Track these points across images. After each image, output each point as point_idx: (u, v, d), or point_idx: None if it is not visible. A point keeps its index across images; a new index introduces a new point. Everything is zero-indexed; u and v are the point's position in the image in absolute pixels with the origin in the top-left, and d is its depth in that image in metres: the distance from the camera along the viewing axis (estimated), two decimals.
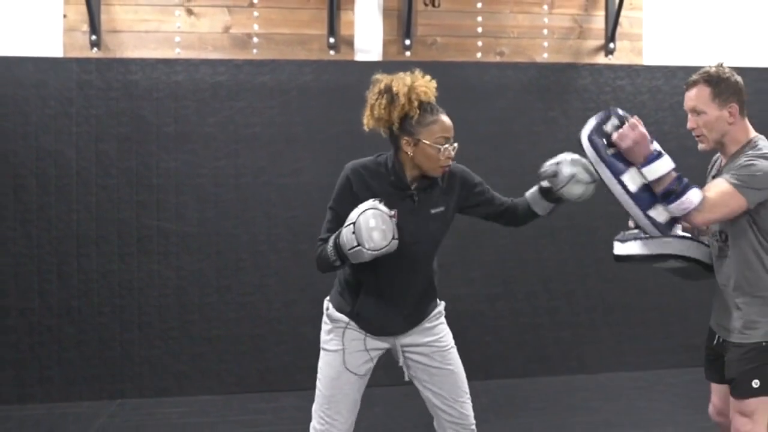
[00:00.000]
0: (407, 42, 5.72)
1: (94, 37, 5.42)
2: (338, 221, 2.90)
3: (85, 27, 5.44)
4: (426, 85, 2.89)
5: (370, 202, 2.83)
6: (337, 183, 3.00)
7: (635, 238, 3.05)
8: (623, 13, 5.87)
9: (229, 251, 5.60)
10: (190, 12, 5.58)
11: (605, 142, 2.99)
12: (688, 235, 3.09)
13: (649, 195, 2.95)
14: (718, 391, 3.25)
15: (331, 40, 5.65)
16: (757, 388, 2.98)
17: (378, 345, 3.13)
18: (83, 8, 5.30)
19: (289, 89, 5.64)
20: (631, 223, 3.13)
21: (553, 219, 5.54)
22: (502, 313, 5.86)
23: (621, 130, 2.97)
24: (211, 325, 5.59)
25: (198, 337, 5.57)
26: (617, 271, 5.81)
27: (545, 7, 5.97)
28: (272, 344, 5.64)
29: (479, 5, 5.86)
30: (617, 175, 2.96)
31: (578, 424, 4.91)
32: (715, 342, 3.14)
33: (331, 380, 3.07)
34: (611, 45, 5.99)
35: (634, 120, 2.97)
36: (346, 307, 3.08)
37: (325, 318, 3.14)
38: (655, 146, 2.93)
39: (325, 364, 3.09)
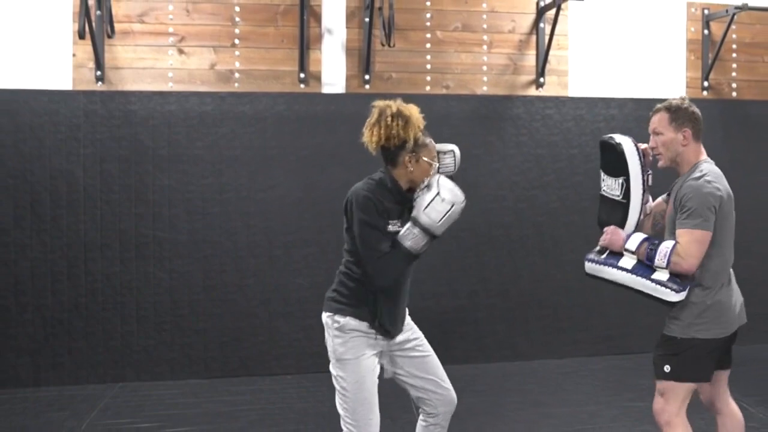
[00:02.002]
0: (367, 77, 5.97)
1: (98, 73, 5.63)
2: (384, 234, 3.02)
3: (91, 64, 5.65)
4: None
5: (436, 175, 3.07)
6: (363, 207, 3.03)
7: (610, 266, 3.23)
8: (551, 52, 6.17)
9: (214, 256, 5.81)
10: (181, 51, 5.80)
11: (598, 250, 3.33)
12: (662, 278, 3.14)
13: (644, 266, 3.18)
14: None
15: (302, 75, 5.89)
16: (668, 372, 3.22)
17: (380, 348, 3.20)
18: (89, 48, 5.53)
19: (265, 117, 5.86)
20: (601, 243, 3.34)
21: (491, 229, 6.10)
22: (446, 308, 6.04)
23: (603, 237, 3.31)
24: (199, 319, 5.79)
25: (187, 329, 5.78)
26: (546, 273, 6.22)
27: (484, 47, 6.21)
28: (250, 335, 5.86)
29: (428, 46, 6.12)
30: (615, 265, 3.24)
31: (513, 404, 5.18)
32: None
33: (359, 385, 3.09)
34: (541, 79, 6.26)
35: (606, 229, 3.31)
36: (367, 317, 3.10)
37: (336, 333, 3.12)
38: (629, 235, 3.23)
39: (348, 373, 3.09)
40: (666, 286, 3.10)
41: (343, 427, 3.14)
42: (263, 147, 5.89)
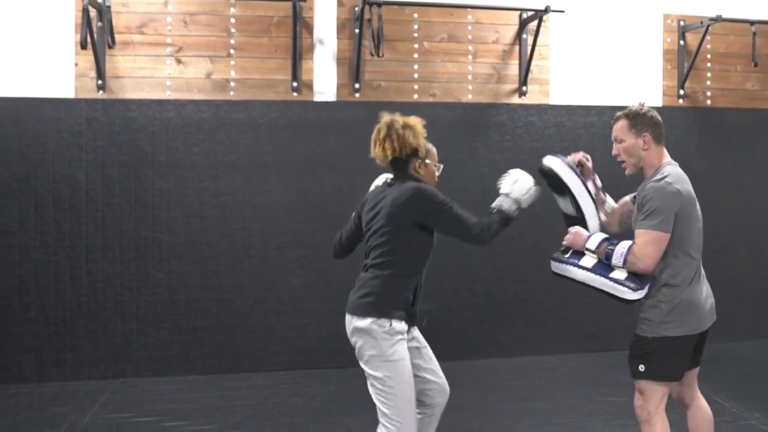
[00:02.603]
0: (357, 86, 6.06)
1: (100, 82, 5.72)
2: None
3: (93, 73, 5.73)
4: None
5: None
6: (436, 195, 3.16)
7: (572, 265, 3.29)
8: (534, 62, 6.26)
9: (211, 257, 5.87)
10: (178, 61, 5.89)
11: (562, 250, 3.38)
12: (620, 277, 3.19)
13: (604, 264, 3.22)
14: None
15: (294, 84, 5.97)
16: (643, 371, 3.23)
17: (409, 346, 3.28)
18: (91, 58, 5.63)
19: (260, 124, 5.93)
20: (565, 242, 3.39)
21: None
22: (434, 308, 5.92)
23: (566, 237, 3.36)
24: (196, 318, 5.85)
25: (185, 327, 5.84)
26: (528, 274, 6.23)
27: (470, 57, 6.30)
28: (245, 333, 5.94)
29: (415, 56, 6.21)
30: (577, 263, 3.28)
31: (497, 398, 5.25)
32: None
33: (406, 384, 3.13)
34: (524, 88, 6.35)
35: (570, 229, 3.37)
36: (405, 317, 3.19)
37: (384, 336, 3.12)
38: (590, 235, 3.30)
39: (398, 374, 3.12)
40: (624, 285, 3.14)
41: (387, 425, 3.14)
42: (258, 153, 5.96)
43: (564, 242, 3.40)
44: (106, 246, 5.78)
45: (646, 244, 3.13)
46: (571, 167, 3.43)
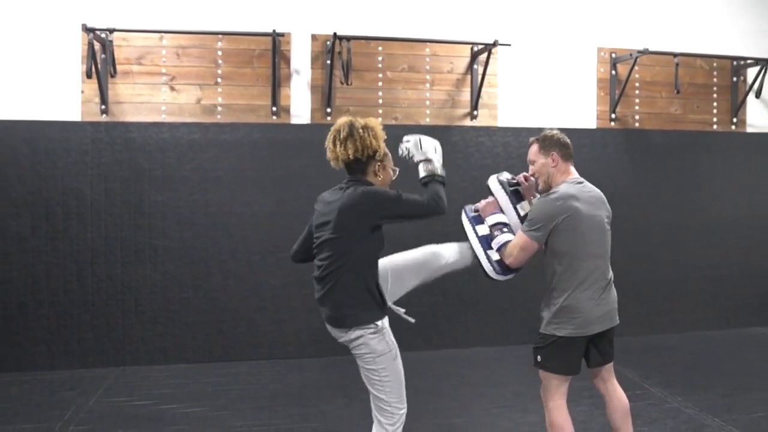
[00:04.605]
0: (328, 110, 6.38)
1: (103, 107, 6.02)
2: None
3: (97, 99, 6.04)
4: None
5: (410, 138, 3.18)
6: (379, 191, 3.01)
7: (471, 225, 3.41)
8: (483, 89, 6.63)
9: (201, 261, 6.16)
10: (172, 89, 6.20)
11: (473, 209, 3.51)
12: (493, 257, 3.33)
13: (489, 240, 3.35)
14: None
15: (274, 108, 6.28)
16: (539, 362, 3.38)
17: None
18: (95, 86, 5.96)
19: (243, 144, 6.23)
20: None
21: (434, 238, 5.70)
22: (396, 305, 6.15)
23: (481, 201, 3.48)
24: (188, 313, 6.14)
25: (178, 322, 6.13)
26: (479, 275, 5.71)
27: (427, 85, 6.67)
28: (231, 327, 6.24)
29: (380, 84, 6.57)
30: (473, 226, 3.43)
31: (451, 385, 5.49)
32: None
33: (398, 370, 3.12)
34: (475, 112, 6.69)
35: (489, 198, 3.48)
36: (381, 313, 3.11)
37: (372, 336, 3.04)
38: (499, 213, 3.40)
39: (389, 364, 3.07)
40: (491, 264, 3.33)
41: (388, 409, 3.09)
42: (242, 169, 6.24)
43: (477, 204, 3.57)
44: (109, 250, 6.04)
45: (515, 246, 3.30)
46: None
